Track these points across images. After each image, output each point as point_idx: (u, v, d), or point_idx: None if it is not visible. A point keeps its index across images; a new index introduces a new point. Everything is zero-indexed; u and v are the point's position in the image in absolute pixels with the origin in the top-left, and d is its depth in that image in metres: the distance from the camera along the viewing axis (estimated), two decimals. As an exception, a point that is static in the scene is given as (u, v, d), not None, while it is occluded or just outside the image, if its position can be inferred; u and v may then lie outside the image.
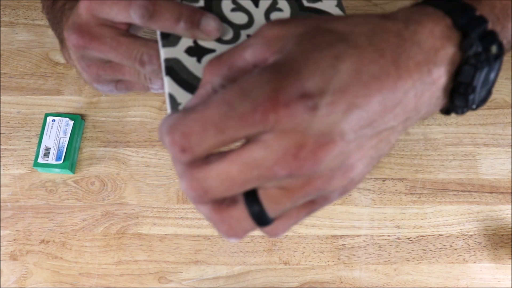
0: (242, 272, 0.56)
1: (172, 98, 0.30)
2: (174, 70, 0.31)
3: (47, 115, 0.59)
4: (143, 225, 0.57)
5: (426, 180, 0.61)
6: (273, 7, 0.35)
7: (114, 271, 0.55)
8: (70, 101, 0.62)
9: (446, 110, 0.26)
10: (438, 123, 0.64)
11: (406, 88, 0.22)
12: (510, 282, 0.58)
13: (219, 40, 0.33)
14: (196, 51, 0.32)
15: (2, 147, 0.60)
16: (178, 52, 0.31)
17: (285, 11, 0.35)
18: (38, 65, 0.64)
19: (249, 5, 0.35)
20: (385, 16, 0.24)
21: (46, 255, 0.56)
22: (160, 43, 0.32)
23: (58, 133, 0.58)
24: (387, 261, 0.58)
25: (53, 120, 0.59)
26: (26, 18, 0.66)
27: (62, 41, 0.36)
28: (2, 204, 0.57)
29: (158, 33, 0.32)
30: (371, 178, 0.61)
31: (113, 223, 0.57)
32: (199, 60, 0.32)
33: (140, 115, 0.62)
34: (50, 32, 0.66)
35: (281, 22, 0.24)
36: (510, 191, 0.61)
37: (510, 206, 0.61)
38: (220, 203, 0.23)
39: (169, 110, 0.29)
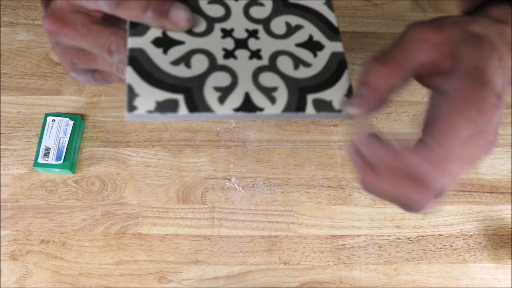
0: (242, 272, 0.56)
1: (131, 89, 0.29)
2: (137, 60, 0.30)
3: (47, 115, 0.59)
4: (143, 225, 0.57)
5: (426, 180, 0.61)
6: (253, 1, 0.33)
7: (114, 271, 0.55)
8: (70, 101, 0.62)
9: None
10: (438, 123, 0.64)
11: None
12: (510, 282, 0.58)
13: (190, 32, 0.31)
14: (164, 42, 0.31)
15: (2, 147, 0.60)
16: (144, 42, 0.30)
17: (267, 6, 0.33)
18: (38, 65, 0.64)
19: None
20: (494, 19, 0.29)
21: (46, 255, 0.56)
22: (128, 32, 0.31)
23: (58, 133, 0.58)
24: (387, 261, 0.58)
25: (53, 120, 0.59)
26: (26, 18, 0.66)
27: None
28: (2, 204, 0.57)
29: (128, 22, 0.31)
30: (371, 178, 0.61)
31: (113, 223, 0.57)
32: (165, 52, 0.30)
33: (140, 115, 0.62)
34: (50, 32, 0.66)
35: (435, 26, 0.28)
36: (510, 191, 0.61)
37: (510, 206, 0.61)
38: None
39: (126, 101, 0.29)
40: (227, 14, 0.33)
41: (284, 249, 0.57)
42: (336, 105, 0.31)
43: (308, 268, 0.57)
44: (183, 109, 0.29)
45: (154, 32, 0.31)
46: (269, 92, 0.30)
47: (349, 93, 0.31)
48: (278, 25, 0.33)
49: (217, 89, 0.30)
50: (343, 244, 0.58)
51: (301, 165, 0.61)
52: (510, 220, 0.60)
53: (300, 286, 0.56)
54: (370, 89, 0.28)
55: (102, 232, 0.57)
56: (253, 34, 0.32)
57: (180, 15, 0.29)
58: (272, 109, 0.30)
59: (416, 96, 0.65)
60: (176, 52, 0.30)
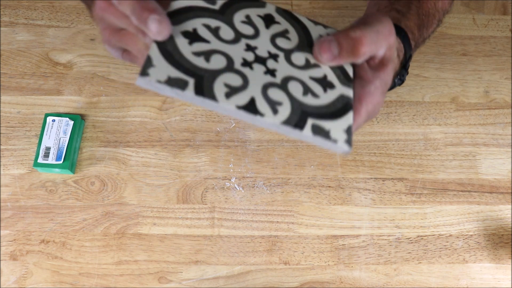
0: (242, 272, 0.56)
1: (149, 59, 0.31)
2: (163, 42, 0.32)
3: (47, 115, 0.59)
4: (143, 225, 0.57)
5: (426, 180, 0.61)
6: (282, 34, 0.36)
7: (114, 271, 0.55)
8: (70, 101, 0.62)
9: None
10: (438, 123, 0.64)
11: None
12: (510, 282, 0.58)
13: (218, 37, 0.33)
14: (192, 36, 0.33)
15: (2, 147, 0.60)
16: (175, 31, 0.32)
17: (293, 40, 0.35)
18: (38, 65, 0.64)
19: (260, 24, 0.35)
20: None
21: (46, 255, 0.56)
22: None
23: (58, 133, 0.58)
24: (387, 261, 0.58)
25: (53, 120, 0.59)
26: (26, 18, 0.66)
27: (89, 6, 0.39)
28: (2, 204, 0.57)
29: (168, 10, 0.34)
30: (371, 178, 0.61)
31: (113, 223, 0.57)
32: (190, 43, 0.32)
33: (140, 115, 0.62)
34: (50, 32, 0.66)
35: (392, 30, 0.36)
36: (510, 191, 0.61)
37: (510, 206, 0.61)
38: None
39: (141, 67, 0.30)
40: (256, 35, 0.35)
41: (284, 249, 0.57)
42: (333, 135, 0.32)
43: (308, 268, 0.57)
44: (190, 90, 0.30)
45: (186, 26, 0.33)
46: (273, 104, 0.32)
47: (349, 130, 0.33)
48: (299, 58, 0.35)
49: (226, 85, 0.31)
50: (343, 244, 0.58)
51: (301, 165, 0.61)
52: (510, 220, 0.60)
53: (300, 286, 0.56)
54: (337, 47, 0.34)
55: (102, 232, 0.57)
56: (273, 57, 0.34)
57: (152, 26, 0.31)
58: (272, 118, 0.31)
59: (416, 96, 0.65)
60: (200, 46, 0.32)
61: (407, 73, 0.45)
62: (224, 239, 0.57)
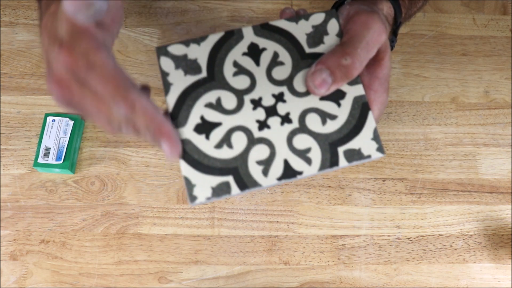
0: (242, 272, 0.56)
1: (188, 181, 0.33)
2: (186, 152, 0.33)
3: (47, 115, 0.59)
4: (143, 225, 0.57)
5: (426, 180, 0.61)
6: (274, 61, 0.35)
7: (114, 271, 0.55)
8: (70, 101, 0.62)
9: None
10: (438, 123, 0.64)
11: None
12: (510, 282, 0.58)
13: (224, 111, 0.34)
14: (204, 127, 0.34)
15: (2, 147, 0.60)
16: (188, 131, 0.34)
17: (287, 63, 0.35)
18: (38, 65, 0.64)
19: (251, 65, 0.35)
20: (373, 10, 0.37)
21: (46, 255, 0.56)
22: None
23: (58, 133, 0.58)
24: (387, 261, 0.58)
25: (53, 120, 0.59)
26: (26, 18, 0.66)
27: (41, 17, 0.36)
28: (2, 204, 0.57)
29: (169, 110, 0.35)
30: (371, 178, 0.61)
31: (113, 223, 0.57)
32: (207, 137, 0.34)
33: (140, 115, 0.62)
34: (50, 32, 0.66)
35: (384, 27, 0.36)
36: (510, 191, 0.61)
37: (510, 206, 0.61)
38: None
39: (186, 192, 0.32)
40: (253, 83, 0.35)
41: (284, 249, 0.57)
42: (365, 151, 0.34)
43: (308, 268, 0.57)
44: (235, 189, 0.33)
45: (194, 119, 0.34)
46: (304, 154, 0.34)
47: (375, 136, 0.34)
48: (301, 82, 0.35)
49: (259, 162, 0.33)
50: (343, 244, 0.58)
51: (301, 165, 0.61)
52: (510, 220, 0.60)
53: (300, 286, 0.56)
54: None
55: (102, 232, 0.57)
56: (279, 98, 0.35)
57: (165, 149, 0.31)
58: (310, 170, 0.33)
59: (416, 96, 0.65)
60: (216, 135, 0.34)
61: (396, 40, 0.46)
62: (224, 239, 0.57)
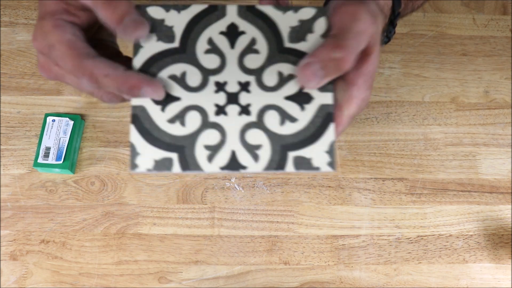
0: (242, 272, 0.56)
1: (133, 148, 0.32)
2: (139, 118, 0.33)
3: (47, 115, 0.59)
4: (143, 225, 0.57)
5: (426, 180, 0.61)
6: (249, 48, 0.34)
7: (114, 271, 0.55)
8: (70, 101, 0.62)
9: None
10: (438, 123, 0.64)
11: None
12: (510, 282, 0.58)
13: (186, 87, 0.33)
14: (162, 99, 0.33)
15: (2, 147, 0.60)
16: (145, 99, 0.33)
17: (262, 53, 0.34)
18: (38, 65, 0.64)
19: (225, 46, 0.34)
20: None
21: (46, 255, 0.56)
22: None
23: (58, 133, 0.58)
24: (387, 261, 0.58)
25: (53, 120, 0.59)
26: (26, 18, 0.66)
27: None
28: (2, 204, 0.57)
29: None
30: (371, 178, 0.61)
31: (113, 223, 0.57)
32: (163, 109, 0.33)
33: (140, 115, 0.62)
34: (50, 32, 0.66)
35: (373, 20, 0.35)
36: (510, 191, 0.61)
37: (510, 206, 0.61)
38: None
39: (130, 159, 0.32)
40: (222, 65, 0.34)
41: (284, 249, 0.57)
42: (315, 163, 0.33)
43: (308, 268, 0.57)
44: (176, 167, 0.32)
45: None
46: (253, 150, 0.33)
47: (330, 149, 0.33)
48: (271, 75, 0.34)
49: (207, 147, 0.33)
50: (343, 244, 0.58)
51: (301, 165, 0.61)
52: (510, 220, 0.60)
53: (300, 286, 0.56)
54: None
55: (102, 232, 0.57)
56: (244, 87, 0.34)
57: (148, 92, 0.32)
58: (254, 167, 0.32)
59: (416, 96, 0.65)
60: (172, 109, 0.33)
61: (394, 32, 0.44)
62: (224, 239, 0.57)
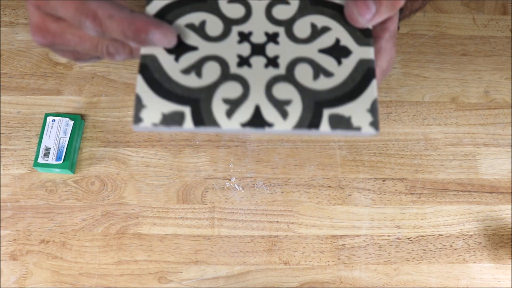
0: (242, 272, 0.56)
1: (138, 100, 0.28)
2: (148, 68, 0.29)
3: (47, 115, 0.59)
4: (143, 225, 0.57)
5: (426, 180, 0.61)
6: None
7: (114, 271, 0.55)
8: (70, 101, 0.62)
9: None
10: (438, 123, 0.64)
11: None
12: (510, 282, 0.58)
13: (205, 36, 0.30)
14: (177, 48, 0.29)
15: (2, 147, 0.60)
16: (157, 48, 0.29)
17: (293, 4, 0.31)
18: (38, 65, 0.64)
19: None
20: None
21: (46, 255, 0.56)
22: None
23: (58, 133, 0.58)
24: (387, 261, 0.58)
25: (53, 120, 0.59)
26: (26, 18, 0.66)
27: None
28: (2, 204, 0.57)
29: None
30: (371, 178, 0.61)
31: (113, 223, 0.57)
32: (176, 59, 0.29)
33: (140, 115, 0.62)
34: (50, 32, 0.66)
35: None
36: (510, 191, 0.61)
37: (510, 206, 0.61)
38: None
39: (133, 112, 0.28)
40: (247, 14, 0.31)
41: (284, 249, 0.57)
42: (356, 122, 0.28)
43: (308, 268, 0.57)
44: (188, 122, 0.28)
45: None
46: (281, 106, 0.29)
47: (373, 108, 0.29)
48: (302, 27, 0.30)
49: (226, 101, 0.28)
50: (343, 244, 0.58)
51: (301, 165, 0.61)
52: (510, 220, 0.60)
53: (300, 286, 0.56)
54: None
55: (102, 232, 0.57)
56: (272, 38, 0.30)
57: (156, 37, 0.28)
58: (283, 125, 0.28)
59: (416, 96, 0.65)
60: (188, 59, 0.29)
61: (399, 28, 0.42)
62: (224, 239, 0.57)
